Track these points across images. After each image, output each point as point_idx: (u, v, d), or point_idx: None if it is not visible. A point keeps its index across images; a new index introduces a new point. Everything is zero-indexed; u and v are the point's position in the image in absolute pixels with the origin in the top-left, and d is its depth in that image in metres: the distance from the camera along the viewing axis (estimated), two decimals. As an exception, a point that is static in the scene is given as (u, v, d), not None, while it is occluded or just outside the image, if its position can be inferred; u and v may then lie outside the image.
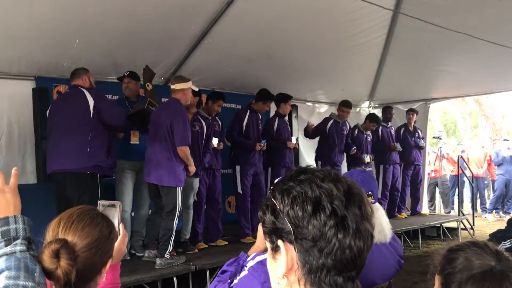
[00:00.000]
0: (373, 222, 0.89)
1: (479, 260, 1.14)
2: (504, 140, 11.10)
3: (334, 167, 7.04)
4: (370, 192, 2.24)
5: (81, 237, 1.29)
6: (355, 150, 7.32)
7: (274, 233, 0.88)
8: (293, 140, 6.40)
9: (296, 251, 0.84)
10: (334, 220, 0.82)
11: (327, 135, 7.11)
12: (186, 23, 5.23)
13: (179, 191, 4.59)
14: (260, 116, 6.17)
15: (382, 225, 2.23)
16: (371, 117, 7.84)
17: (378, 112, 8.64)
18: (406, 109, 8.52)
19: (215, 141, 5.51)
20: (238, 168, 5.91)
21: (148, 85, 5.10)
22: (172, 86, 4.71)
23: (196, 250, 5.28)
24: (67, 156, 4.18)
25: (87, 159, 4.20)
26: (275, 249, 0.88)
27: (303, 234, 0.83)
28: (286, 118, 6.60)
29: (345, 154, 7.40)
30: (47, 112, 4.57)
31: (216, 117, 5.77)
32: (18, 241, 1.16)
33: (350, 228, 0.83)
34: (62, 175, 4.22)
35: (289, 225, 0.84)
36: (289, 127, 6.55)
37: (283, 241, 0.86)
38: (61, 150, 4.20)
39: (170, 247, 4.54)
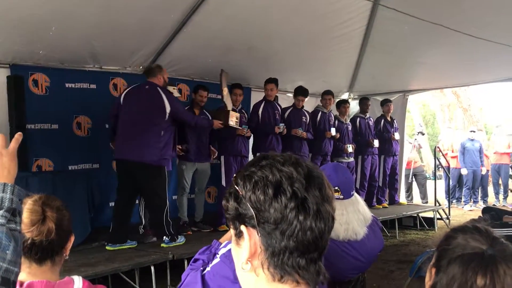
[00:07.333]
0: (334, 205, 0.90)
1: (474, 243, 1.16)
2: (471, 131, 11.22)
3: (326, 157, 7.32)
4: (336, 188, 2.18)
5: (50, 202, 1.54)
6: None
7: (237, 219, 0.89)
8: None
9: (259, 235, 0.86)
10: (294, 202, 0.84)
11: (317, 126, 7.24)
12: (165, 11, 5.16)
13: None
14: (276, 104, 6.68)
15: (351, 223, 2.17)
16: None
17: (357, 104, 8.72)
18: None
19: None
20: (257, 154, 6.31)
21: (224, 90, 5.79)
22: None
23: (212, 229, 5.85)
24: (142, 149, 4.68)
25: (159, 154, 4.74)
26: (239, 235, 0.90)
27: (265, 217, 0.84)
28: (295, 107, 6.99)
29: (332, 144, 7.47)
30: (121, 98, 4.89)
31: (242, 109, 6.23)
32: (0, 212, 1.09)
33: (311, 210, 0.84)
34: (134, 164, 4.71)
35: (251, 210, 0.85)
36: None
37: (246, 226, 0.87)
38: (135, 142, 4.69)
39: (142, 223, 5.42)
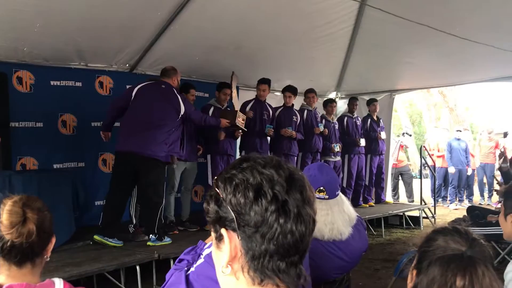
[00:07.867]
0: (315, 207, 0.90)
1: (454, 245, 1.18)
2: (457, 131, 11.31)
3: (316, 155, 7.36)
4: (322, 187, 2.19)
5: (31, 203, 1.49)
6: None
7: (218, 222, 0.88)
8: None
9: (239, 238, 0.85)
10: (275, 205, 0.83)
11: (304, 124, 7.24)
12: (152, 8, 5.12)
13: None
14: (266, 104, 6.65)
15: (336, 223, 2.18)
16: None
17: (344, 103, 8.75)
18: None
19: None
20: (243, 153, 6.48)
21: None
22: None
23: (198, 228, 5.85)
24: (150, 143, 4.73)
25: (166, 149, 4.86)
26: (219, 238, 0.89)
27: (246, 220, 0.84)
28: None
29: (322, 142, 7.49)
30: (133, 92, 4.87)
31: (228, 108, 6.15)
32: None
33: (291, 213, 0.84)
34: (139, 157, 4.70)
35: (232, 213, 0.85)
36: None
37: (226, 229, 0.87)
38: (144, 137, 4.73)
39: (132, 223, 5.37)
